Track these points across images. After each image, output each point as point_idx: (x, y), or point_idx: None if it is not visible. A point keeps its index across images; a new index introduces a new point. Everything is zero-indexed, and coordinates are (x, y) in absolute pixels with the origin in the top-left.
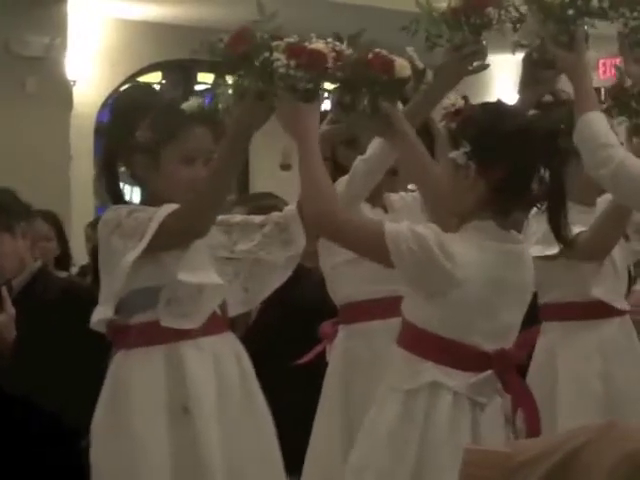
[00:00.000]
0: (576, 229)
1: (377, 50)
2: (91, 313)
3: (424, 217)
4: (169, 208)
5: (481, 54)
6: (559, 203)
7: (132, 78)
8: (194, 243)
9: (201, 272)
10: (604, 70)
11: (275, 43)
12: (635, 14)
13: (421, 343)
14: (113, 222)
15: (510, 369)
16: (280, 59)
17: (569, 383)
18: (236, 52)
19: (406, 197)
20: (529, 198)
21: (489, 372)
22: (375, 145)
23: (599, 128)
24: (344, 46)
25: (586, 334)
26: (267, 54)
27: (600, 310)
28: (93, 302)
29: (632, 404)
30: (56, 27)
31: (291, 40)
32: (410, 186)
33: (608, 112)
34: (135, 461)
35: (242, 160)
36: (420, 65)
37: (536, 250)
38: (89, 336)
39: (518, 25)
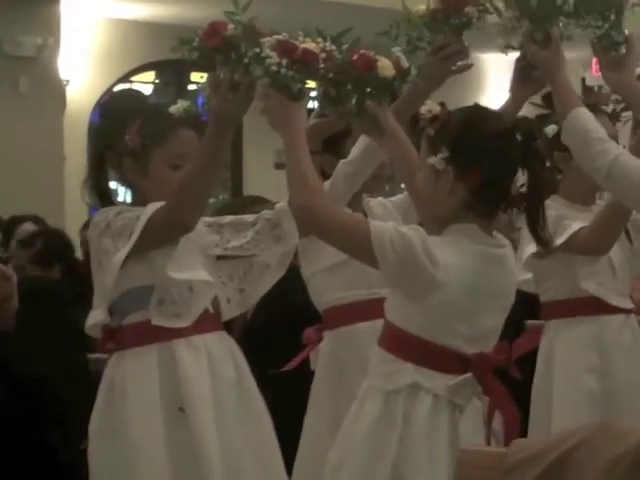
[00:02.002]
0: (577, 224)
1: (362, 51)
2: (58, 306)
3: (410, 221)
4: (156, 205)
5: (463, 54)
6: (537, 205)
7: (125, 78)
8: (185, 244)
9: (191, 270)
10: (597, 69)
11: (264, 39)
12: (600, 23)
13: (402, 344)
14: (102, 223)
15: (489, 372)
16: (272, 56)
17: (563, 378)
18: (210, 45)
19: (386, 203)
20: (509, 200)
21: (469, 374)
22: (357, 149)
23: (590, 123)
24: (334, 47)
25: (583, 329)
26: (257, 50)
27: (598, 306)
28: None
29: (631, 403)
30: (49, 27)
31: (281, 37)
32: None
33: (615, 115)
34: (133, 462)
35: (225, 153)
36: (405, 65)
37: (534, 247)
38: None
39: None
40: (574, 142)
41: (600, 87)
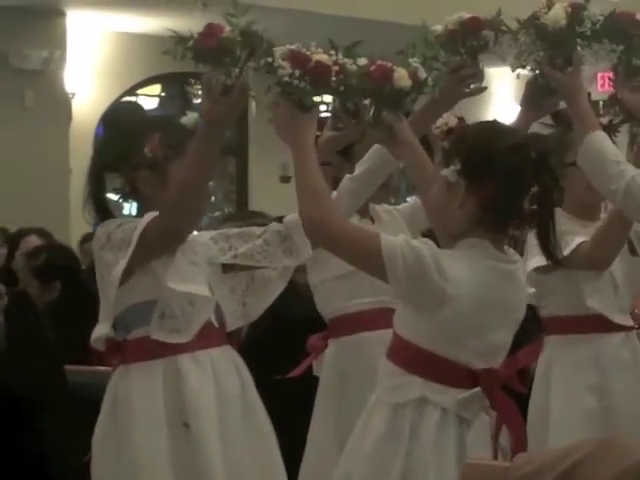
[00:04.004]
0: (578, 239)
1: (380, 61)
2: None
3: (415, 227)
4: (152, 213)
5: (478, 76)
6: (547, 221)
7: (131, 91)
8: (188, 256)
9: (192, 284)
10: (602, 83)
11: (276, 48)
12: (617, 47)
13: (410, 358)
14: (103, 237)
15: (497, 387)
16: (285, 66)
17: (560, 397)
18: (204, 45)
19: (392, 210)
20: (521, 216)
21: (477, 389)
22: (364, 165)
23: (607, 146)
24: (347, 60)
25: (582, 348)
26: (269, 58)
27: (599, 324)
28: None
29: (631, 421)
30: (55, 40)
31: (293, 47)
32: (409, 198)
33: (612, 127)
34: (137, 476)
35: (215, 157)
36: (422, 75)
37: (537, 261)
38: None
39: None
40: (590, 164)
41: (605, 102)
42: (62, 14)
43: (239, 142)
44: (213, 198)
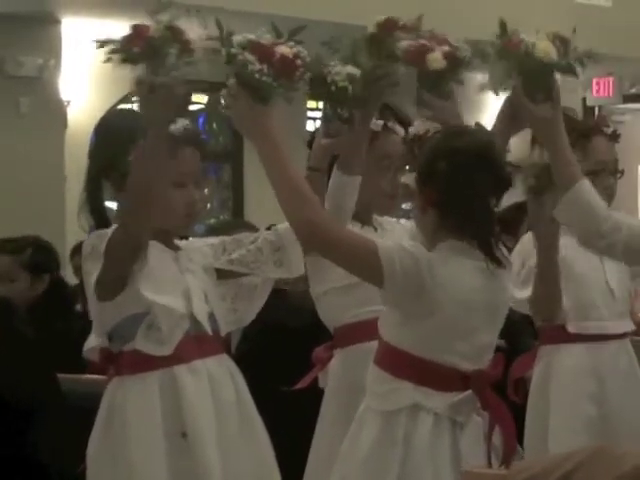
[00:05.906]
0: (525, 292)
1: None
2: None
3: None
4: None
5: (391, 80)
6: (487, 235)
7: (127, 98)
8: (183, 264)
9: (167, 295)
10: (597, 89)
11: (235, 38)
12: None
13: (399, 364)
14: (88, 247)
15: (487, 388)
16: (253, 62)
17: (559, 404)
18: (134, 47)
19: (395, 224)
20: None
21: (469, 392)
22: (331, 182)
23: (595, 197)
24: (303, 50)
25: (577, 355)
26: (233, 50)
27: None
28: None
29: (628, 428)
30: (50, 47)
31: (252, 38)
32: (404, 205)
33: (615, 137)
34: None
35: (161, 158)
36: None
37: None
38: None
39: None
40: (578, 216)
41: (600, 107)
42: (57, 21)
43: (234, 149)
44: (209, 205)
